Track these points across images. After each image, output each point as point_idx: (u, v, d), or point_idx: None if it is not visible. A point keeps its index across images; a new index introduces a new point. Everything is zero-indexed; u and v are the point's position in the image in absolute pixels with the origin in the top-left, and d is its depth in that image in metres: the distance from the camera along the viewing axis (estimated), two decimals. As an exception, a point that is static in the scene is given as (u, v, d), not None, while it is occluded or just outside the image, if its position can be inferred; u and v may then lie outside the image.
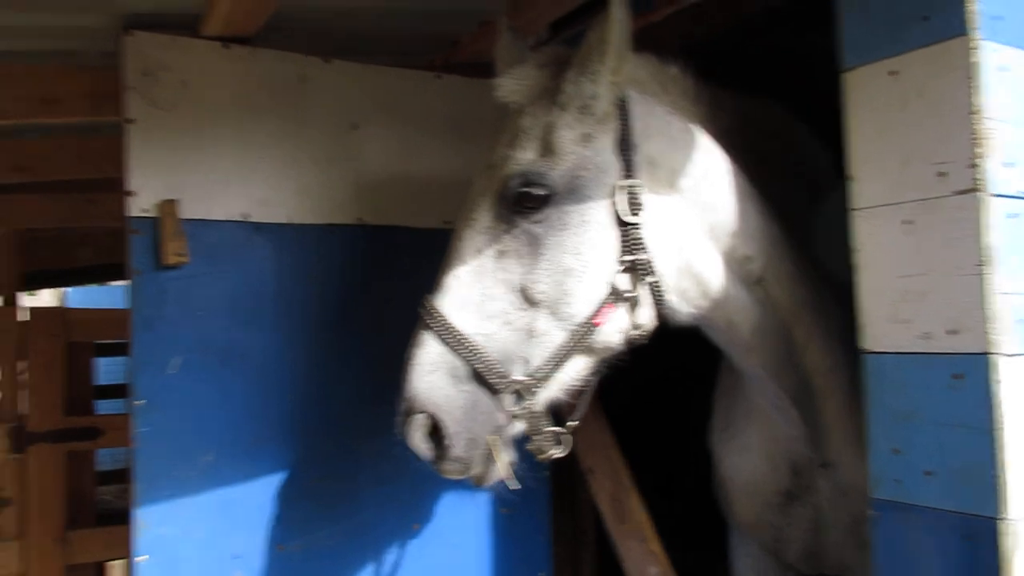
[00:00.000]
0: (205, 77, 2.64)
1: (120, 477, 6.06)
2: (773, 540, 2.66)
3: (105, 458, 5.66)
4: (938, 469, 1.72)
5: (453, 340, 1.95)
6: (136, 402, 2.46)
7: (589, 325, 2.00)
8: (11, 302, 5.45)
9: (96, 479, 4.92)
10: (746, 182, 2.24)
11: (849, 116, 1.91)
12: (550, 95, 2.09)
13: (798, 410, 2.39)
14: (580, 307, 2.00)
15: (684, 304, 2.17)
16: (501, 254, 2.01)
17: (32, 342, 3.86)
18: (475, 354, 1.95)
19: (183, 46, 2.61)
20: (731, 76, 2.46)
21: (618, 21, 2.00)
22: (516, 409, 1.99)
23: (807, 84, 3.32)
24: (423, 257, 2.41)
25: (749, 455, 2.64)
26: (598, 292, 2.01)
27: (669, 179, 2.12)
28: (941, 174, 1.72)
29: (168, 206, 2.54)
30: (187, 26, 2.62)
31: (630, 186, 2.03)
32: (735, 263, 2.21)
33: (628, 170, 2.05)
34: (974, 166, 1.67)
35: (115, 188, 3.12)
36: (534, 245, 1.99)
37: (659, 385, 3.97)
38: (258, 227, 2.70)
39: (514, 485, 2.04)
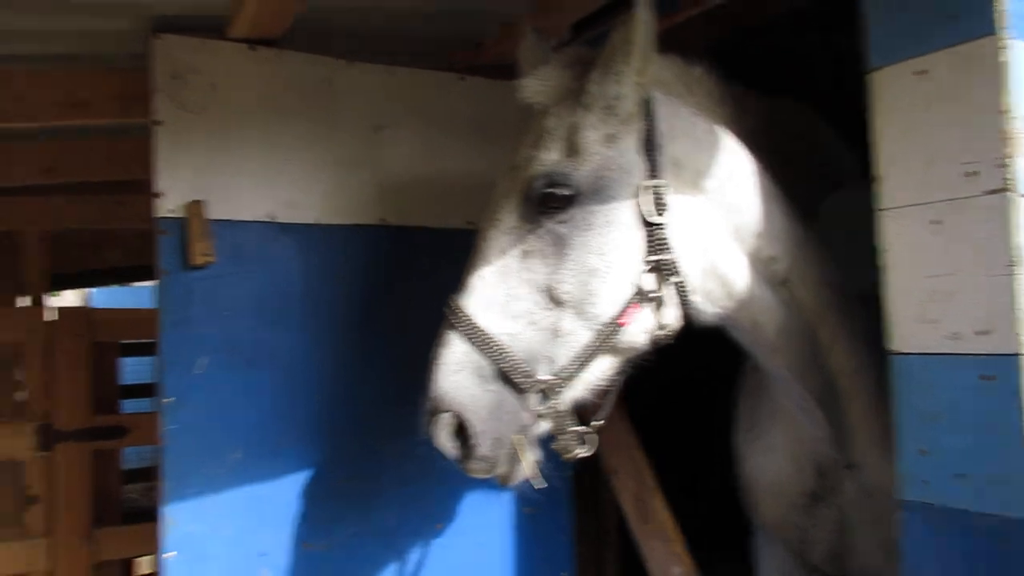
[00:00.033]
0: (232, 79, 2.67)
1: (145, 475, 6.13)
2: (798, 541, 2.65)
3: (130, 456, 5.73)
4: (968, 471, 1.70)
5: (479, 340, 1.96)
6: (165, 400, 2.49)
7: (614, 325, 2.00)
8: (38, 302, 5.52)
9: (122, 477, 4.98)
10: (771, 183, 2.24)
11: (875, 116, 1.90)
12: (574, 96, 2.10)
13: (823, 411, 2.38)
14: (605, 307, 2.00)
15: (709, 304, 2.17)
16: (526, 254, 2.02)
17: (59, 342, 3.91)
18: (500, 354, 1.96)
19: (211, 48, 2.64)
20: (755, 77, 2.46)
21: (643, 22, 2.01)
22: (541, 408, 1.99)
23: (831, 85, 3.32)
24: (447, 257, 2.43)
25: (774, 456, 2.63)
26: (623, 292, 2.01)
27: (694, 180, 2.12)
28: (970, 174, 1.71)
29: (195, 207, 2.57)
30: (214, 29, 2.65)
31: (655, 187, 2.03)
32: (760, 264, 2.21)
33: (653, 171, 2.05)
34: (1004, 166, 1.66)
35: (142, 190, 3.16)
36: (559, 245, 2.00)
37: (684, 385, 3.96)
38: (284, 228, 2.73)
39: (539, 484, 2.05)
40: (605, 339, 2.01)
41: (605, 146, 2.05)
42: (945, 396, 1.75)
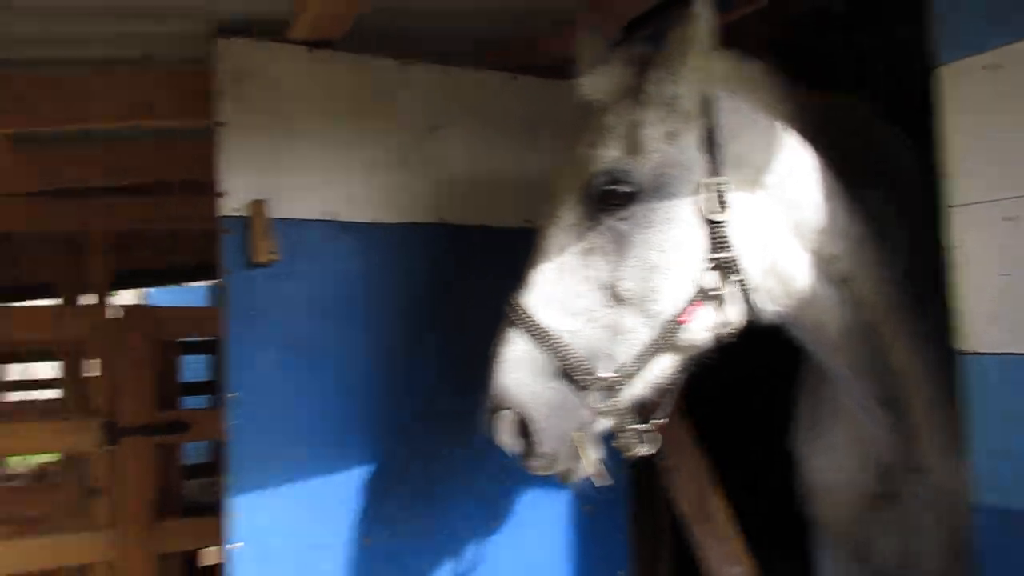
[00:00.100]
0: (293, 80, 2.72)
1: (203, 471, 6.27)
2: (860, 545, 2.61)
3: (187, 453, 5.87)
4: (1046, 473, 1.67)
5: (540, 337, 1.97)
6: (229, 395, 2.54)
7: (675, 323, 2.00)
8: (101, 301, 5.68)
9: (182, 473, 5.10)
10: (832, 180, 2.21)
11: (943, 112, 1.87)
12: (634, 93, 2.10)
13: (886, 411, 2.34)
14: (666, 305, 2.00)
15: (770, 302, 2.16)
16: (586, 251, 2.02)
17: (125, 339, 4.01)
18: (561, 351, 1.96)
19: (272, 51, 2.69)
20: (812, 73, 2.43)
21: (702, 19, 2.00)
22: (602, 406, 1.99)
23: (892, 80, 3.26)
24: (503, 256, 2.44)
25: (835, 455, 2.59)
26: (684, 290, 2.01)
27: (755, 177, 2.11)
28: (1046, 170, 1.68)
29: (258, 206, 2.62)
30: (275, 31, 2.70)
31: (716, 184, 2.03)
32: (822, 262, 2.19)
33: (714, 168, 2.04)
34: (1081, 161, 1.62)
35: (203, 191, 3.23)
36: (620, 243, 2.00)
37: (747, 383, 3.92)
38: (344, 226, 2.77)
39: (601, 482, 2.05)
40: (666, 337, 2.00)
41: (666, 143, 2.05)
42: (1020, 397, 1.71)
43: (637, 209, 2.01)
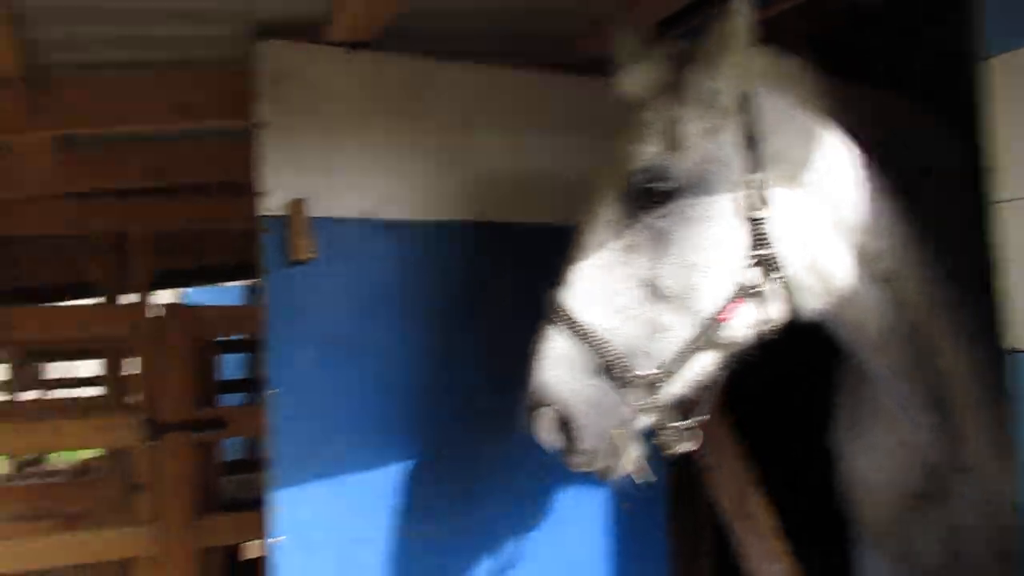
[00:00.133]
0: (331, 81, 2.75)
1: (239, 468, 6.35)
2: (903, 546, 2.58)
3: (225, 449, 5.95)
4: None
5: (580, 334, 1.97)
6: (270, 392, 2.57)
7: (715, 320, 1.99)
8: (143, 300, 5.77)
9: (220, 469, 5.17)
10: (873, 176, 2.19)
11: (989, 105, 1.84)
12: (673, 90, 2.09)
13: (929, 412, 2.31)
14: (706, 302, 1.99)
15: (810, 300, 2.14)
16: (626, 249, 2.02)
17: (166, 337, 4.07)
18: (601, 348, 1.97)
19: (311, 52, 2.72)
20: (851, 69, 2.40)
21: (741, 14, 1.99)
22: (642, 403, 1.99)
23: (932, 75, 3.21)
24: (539, 253, 2.45)
25: (875, 456, 2.56)
26: (724, 287, 2.00)
27: (795, 173, 2.09)
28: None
29: (297, 205, 2.65)
30: (312, 32, 2.72)
31: (756, 180, 2.02)
32: (864, 260, 2.17)
33: (754, 164, 2.03)
34: None
35: (241, 191, 3.27)
36: (659, 240, 2.00)
37: (787, 380, 3.88)
38: (381, 224, 2.79)
39: (642, 479, 2.05)
40: (706, 335, 2.00)
41: (705, 140, 2.04)
42: (1071, 394, 1.68)
43: (676, 206, 2.00)
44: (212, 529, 4.12)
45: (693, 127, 2.04)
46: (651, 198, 2.01)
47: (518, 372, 2.04)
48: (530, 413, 2.01)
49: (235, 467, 6.42)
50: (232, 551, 4.86)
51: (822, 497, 2.89)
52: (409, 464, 2.78)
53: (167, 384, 4.08)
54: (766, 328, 2.08)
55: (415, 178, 2.87)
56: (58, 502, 5.13)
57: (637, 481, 2.06)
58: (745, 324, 2.04)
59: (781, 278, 2.04)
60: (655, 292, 1.98)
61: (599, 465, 2.03)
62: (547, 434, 1.99)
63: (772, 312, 2.07)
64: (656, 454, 2.12)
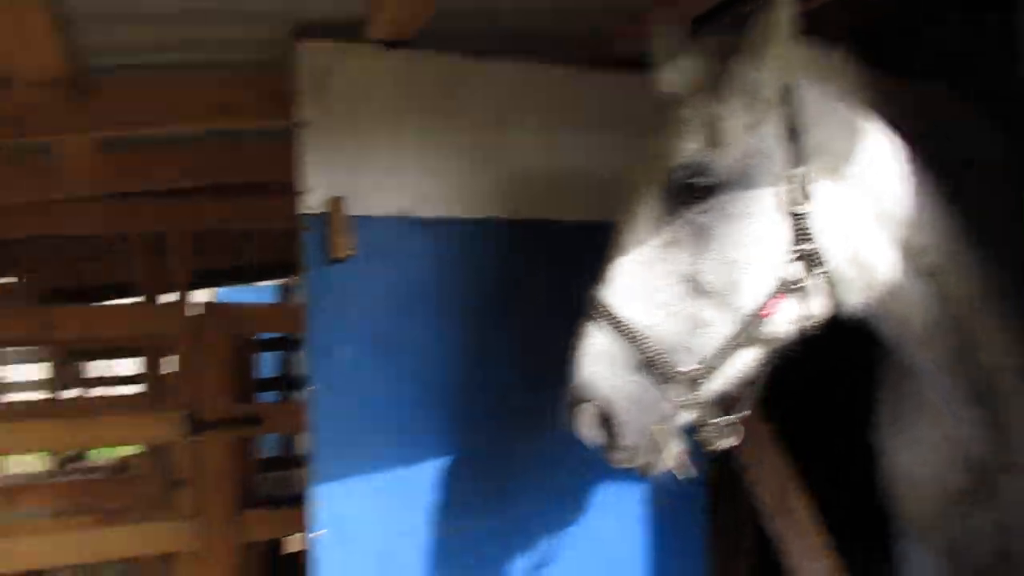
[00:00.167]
0: (370, 79, 2.76)
1: (275, 465, 6.43)
2: (948, 543, 2.54)
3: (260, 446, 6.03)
4: None
5: (620, 330, 1.97)
6: (311, 388, 2.60)
7: (757, 316, 1.98)
8: (183, 299, 5.85)
9: (257, 466, 5.23)
10: (917, 169, 2.16)
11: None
12: (712, 85, 2.08)
13: (974, 408, 2.28)
14: (748, 298, 1.98)
15: (853, 295, 2.12)
16: (666, 245, 2.02)
17: (205, 335, 4.13)
18: (642, 344, 1.96)
19: (351, 51, 2.73)
20: (895, 61, 2.37)
21: (784, 7, 1.98)
22: (683, 399, 1.99)
23: (978, 68, 3.16)
24: (577, 250, 2.45)
25: (919, 450, 2.53)
26: (766, 282, 1.99)
27: (837, 166, 2.07)
28: None
29: (336, 203, 2.67)
30: (351, 31, 2.74)
31: (798, 175, 2.00)
32: (908, 254, 2.14)
33: (796, 158, 2.02)
34: None
35: (280, 191, 3.29)
36: (700, 235, 1.99)
37: (830, 376, 3.85)
38: (419, 222, 2.80)
39: (683, 475, 2.05)
40: (748, 330, 1.99)
41: (747, 134, 2.02)
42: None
43: (717, 202, 1.99)
44: (253, 524, 4.18)
45: (735, 121, 2.03)
46: (692, 194, 2.00)
47: (552, 370, 2.05)
48: (571, 409, 2.01)
49: (270, 464, 6.50)
50: (274, 545, 4.91)
51: (864, 493, 2.86)
52: (445, 460, 2.80)
53: (206, 381, 4.13)
54: (808, 324, 2.07)
55: (450, 176, 2.87)
56: (99, 498, 5.23)
57: (678, 477, 2.06)
58: (787, 320, 2.03)
59: (824, 273, 2.02)
60: (696, 288, 1.98)
61: (640, 461, 2.03)
62: (588, 430, 1.99)
63: (814, 307, 2.05)
64: (697, 450, 2.12)
